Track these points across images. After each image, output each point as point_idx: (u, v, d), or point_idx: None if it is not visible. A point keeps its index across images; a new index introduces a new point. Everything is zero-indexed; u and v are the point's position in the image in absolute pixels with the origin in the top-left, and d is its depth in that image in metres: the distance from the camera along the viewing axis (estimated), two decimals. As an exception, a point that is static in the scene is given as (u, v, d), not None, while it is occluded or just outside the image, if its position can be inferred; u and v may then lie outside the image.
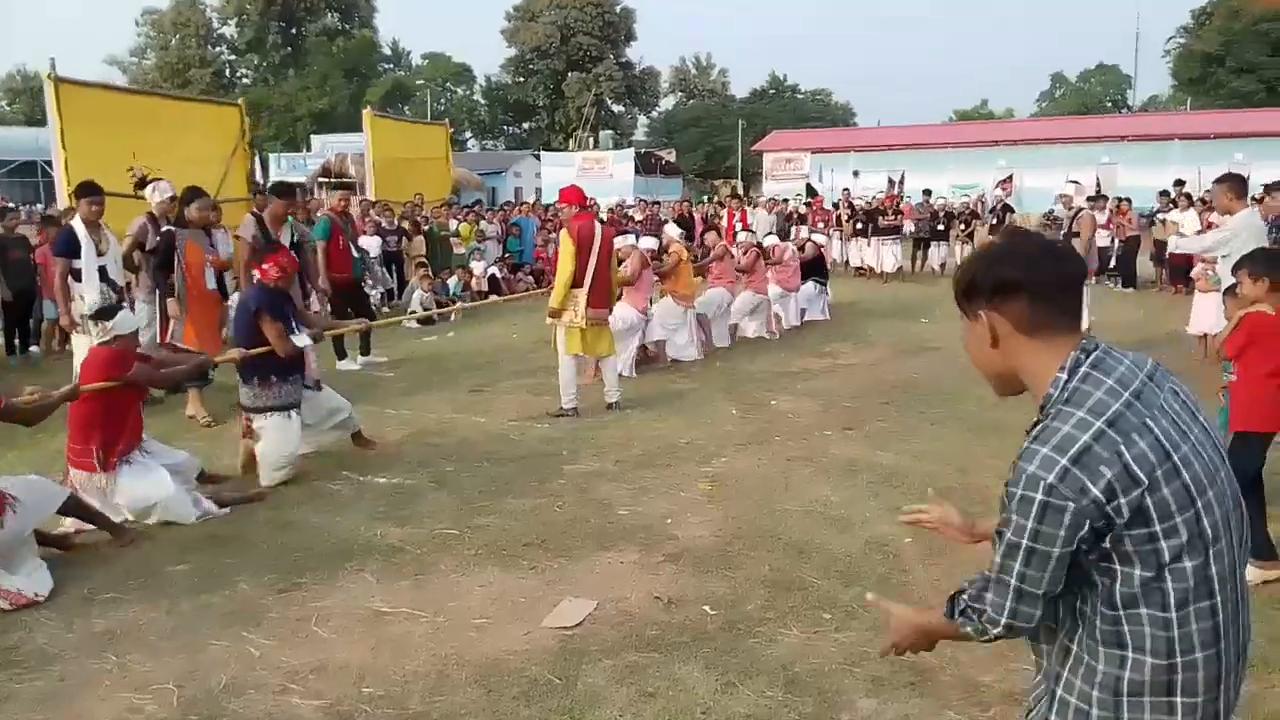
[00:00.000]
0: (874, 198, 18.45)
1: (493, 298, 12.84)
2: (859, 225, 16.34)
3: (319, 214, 8.96)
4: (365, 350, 9.31)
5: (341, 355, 9.00)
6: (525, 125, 64.34)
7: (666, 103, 65.91)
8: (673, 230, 10.63)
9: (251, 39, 61.67)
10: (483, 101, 64.66)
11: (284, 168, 41.89)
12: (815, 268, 12.12)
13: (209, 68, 60.69)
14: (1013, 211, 14.03)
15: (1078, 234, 8.58)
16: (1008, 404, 1.92)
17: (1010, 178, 30.90)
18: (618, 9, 59.97)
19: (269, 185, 7.40)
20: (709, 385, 8.10)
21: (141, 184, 7.24)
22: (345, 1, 62.41)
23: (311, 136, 46.28)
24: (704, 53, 75.60)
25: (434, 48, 75.20)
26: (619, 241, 8.62)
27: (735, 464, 5.81)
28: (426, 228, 14.72)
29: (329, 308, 9.56)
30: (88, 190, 6.99)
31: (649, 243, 9.63)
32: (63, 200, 11.10)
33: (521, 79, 60.91)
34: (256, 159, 42.80)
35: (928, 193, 17.82)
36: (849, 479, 5.49)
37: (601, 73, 57.77)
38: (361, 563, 4.28)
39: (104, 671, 3.35)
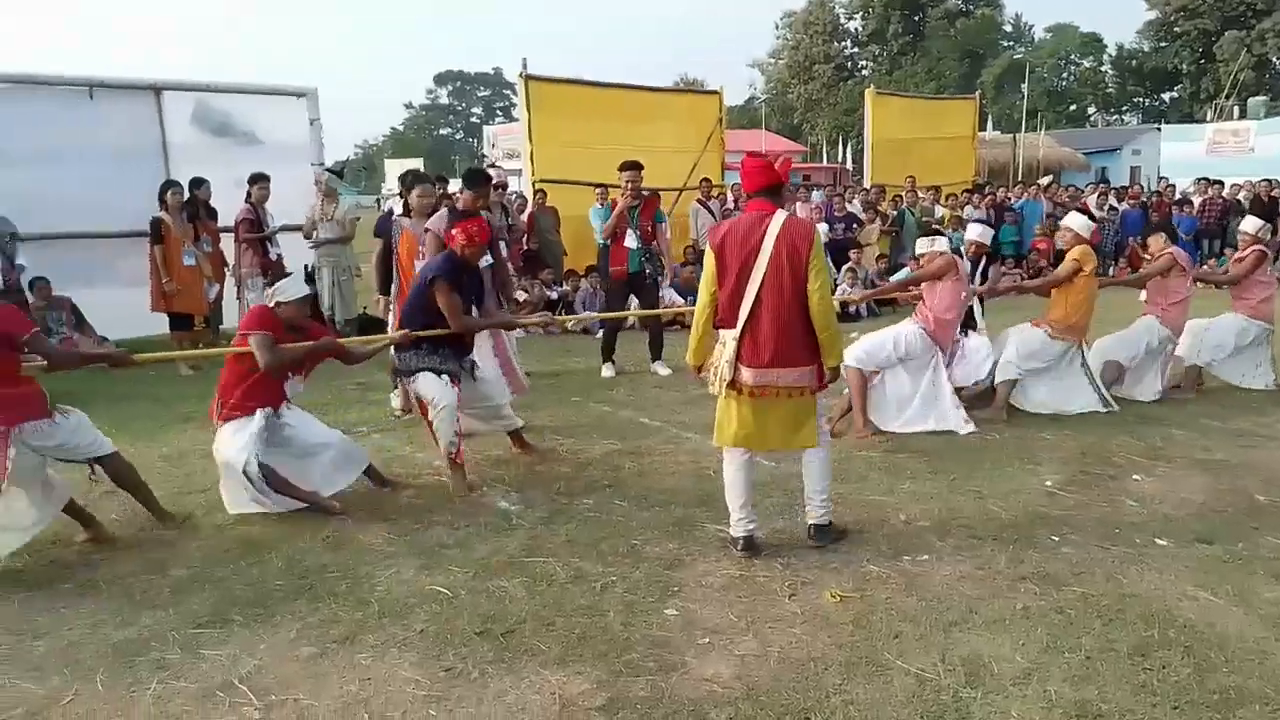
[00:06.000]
0: None
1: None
2: None
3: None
4: (655, 355, 8.20)
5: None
6: (1164, 96, 55.47)
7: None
8: (1076, 223, 6.43)
9: (873, 30, 62.97)
10: (1110, 72, 57.33)
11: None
12: None
13: (831, 63, 63.54)
14: None
15: None
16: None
17: None
18: (1303, -56, 48.12)
19: (463, 174, 6.68)
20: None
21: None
22: (973, -18, 60.22)
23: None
24: None
25: (1061, 19, 68.09)
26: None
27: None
28: (895, 211, 13.24)
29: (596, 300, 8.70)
30: None
31: (978, 232, 6.64)
32: (527, 189, 12.21)
33: (1163, 44, 52.52)
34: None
35: None
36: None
37: (1268, 29, 46.98)
38: None
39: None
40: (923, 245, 6.13)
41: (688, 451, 5.61)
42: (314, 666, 3.20)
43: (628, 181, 7.72)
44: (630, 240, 7.82)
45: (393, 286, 6.38)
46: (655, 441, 5.84)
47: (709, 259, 4.01)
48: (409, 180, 6.62)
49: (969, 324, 6.41)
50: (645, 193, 8.03)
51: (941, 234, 6.25)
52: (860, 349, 5.90)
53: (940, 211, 13.98)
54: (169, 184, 8.80)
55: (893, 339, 5.91)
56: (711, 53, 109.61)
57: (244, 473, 4.44)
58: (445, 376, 5.00)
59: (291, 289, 4.80)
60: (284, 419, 4.75)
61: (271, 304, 4.75)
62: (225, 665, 3.20)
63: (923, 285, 6.05)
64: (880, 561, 3.91)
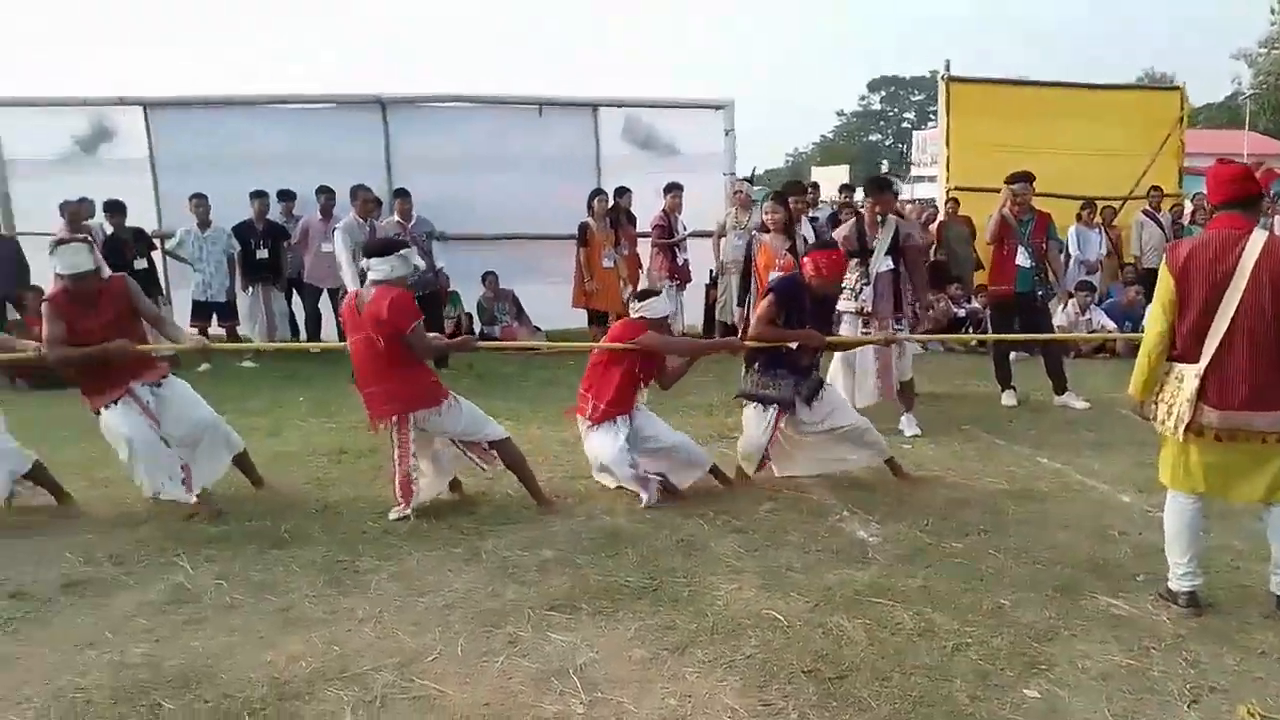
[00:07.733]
0: None
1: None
2: None
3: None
4: (1059, 388, 7.26)
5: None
6: None
7: None
8: None
9: None
10: None
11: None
12: None
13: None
14: None
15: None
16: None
17: None
18: None
19: (864, 182, 6.44)
20: None
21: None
22: None
23: None
24: None
25: None
26: None
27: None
28: None
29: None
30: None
31: None
32: (940, 196, 11.57)
33: None
34: None
35: None
36: None
37: None
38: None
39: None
40: None
41: (1090, 503, 4.90)
42: (642, 671, 3.23)
43: (1016, 195, 7.08)
44: (1022, 257, 7.09)
45: (749, 297, 6.56)
46: (1050, 486, 5.19)
47: (1166, 284, 3.54)
48: (764, 196, 6.85)
49: None
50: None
51: None
52: None
53: None
54: (596, 192, 9.67)
55: None
56: (1187, 45, 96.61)
57: (631, 477, 4.92)
58: (771, 409, 5.11)
59: (655, 307, 5.17)
60: (636, 420, 5.09)
61: (635, 316, 5.15)
62: (566, 652, 3.35)
63: None
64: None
